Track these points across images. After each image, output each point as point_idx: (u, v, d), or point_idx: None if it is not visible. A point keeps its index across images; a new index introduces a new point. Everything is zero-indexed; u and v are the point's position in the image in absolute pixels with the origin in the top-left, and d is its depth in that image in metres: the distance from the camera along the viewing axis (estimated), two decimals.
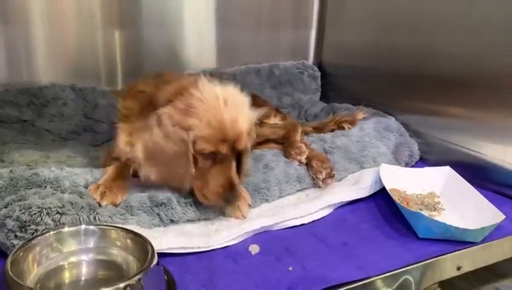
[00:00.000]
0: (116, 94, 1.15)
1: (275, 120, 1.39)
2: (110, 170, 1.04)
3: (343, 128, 1.42)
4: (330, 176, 1.15)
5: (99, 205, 0.94)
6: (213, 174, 0.96)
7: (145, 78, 1.19)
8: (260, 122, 1.29)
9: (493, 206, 1.02)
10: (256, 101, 1.21)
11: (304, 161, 1.18)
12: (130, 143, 1.01)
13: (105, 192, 0.96)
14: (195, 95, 0.96)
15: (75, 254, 0.80)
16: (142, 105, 1.06)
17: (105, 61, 1.59)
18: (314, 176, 1.16)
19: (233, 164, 0.99)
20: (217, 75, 1.19)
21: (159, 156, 0.96)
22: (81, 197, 0.95)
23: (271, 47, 1.86)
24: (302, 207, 1.06)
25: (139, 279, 0.69)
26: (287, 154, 1.22)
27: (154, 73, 1.24)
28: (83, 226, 0.83)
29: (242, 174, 1.04)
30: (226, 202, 0.97)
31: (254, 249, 0.93)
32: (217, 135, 0.95)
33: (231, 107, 0.96)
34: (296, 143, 1.24)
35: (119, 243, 0.82)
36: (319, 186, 1.15)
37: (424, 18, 1.39)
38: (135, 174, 1.08)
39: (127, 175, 1.05)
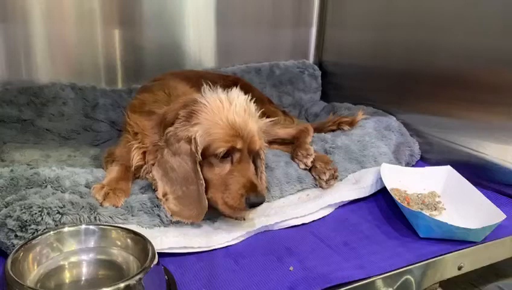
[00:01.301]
0: (130, 110, 1.14)
1: (284, 123, 1.39)
2: (115, 171, 1.05)
3: (343, 129, 1.41)
4: (334, 177, 1.15)
5: (101, 205, 0.94)
6: (232, 178, 0.93)
7: (152, 88, 1.19)
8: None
9: (494, 206, 1.02)
10: (263, 105, 1.21)
11: (309, 164, 1.17)
12: (143, 159, 1.03)
13: (108, 193, 0.96)
14: (198, 102, 0.96)
15: (76, 254, 0.80)
16: (154, 124, 1.06)
17: (105, 60, 1.59)
18: (317, 177, 1.16)
19: (252, 166, 0.97)
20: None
21: (171, 175, 0.95)
22: (81, 197, 0.94)
23: (271, 46, 1.85)
24: (303, 207, 1.05)
25: (140, 279, 0.68)
26: (293, 155, 1.22)
27: (157, 80, 1.24)
28: (83, 226, 0.82)
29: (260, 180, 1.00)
30: (249, 205, 0.91)
31: None
32: (227, 131, 0.93)
33: (238, 108, 0.95)
34: (305, 145, 1.22)
35: (119, 243, 0.82)
36: (322, 187, 1.15)
37: (425, 17, 1.38)
38: (137, 177, 1.08)
39: (130, 177, 1.06)
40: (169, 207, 0.94)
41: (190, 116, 0.95)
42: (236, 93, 0.98)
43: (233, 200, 0.91)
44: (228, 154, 0.94)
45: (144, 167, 1.05)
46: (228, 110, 0.94)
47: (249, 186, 0.92)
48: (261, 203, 0.92)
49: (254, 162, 1.01)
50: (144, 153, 1.05)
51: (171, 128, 0.96)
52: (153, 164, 1.04)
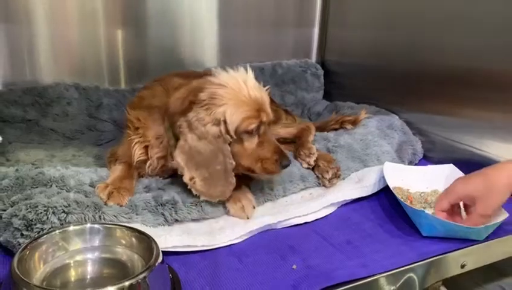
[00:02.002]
0: (130, 106, 1.16)
1: (286, 122, 1.39)
2: (118, 170, 1.05)
3: (346, 128, 1.41)
4: (336, 176, 1.15)
5: (105, 204, 0.95)
6: (264, 148, 1.00)
7: (150, 86, 1.20)
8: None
9: None
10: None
11: (312, 163, 1.17)
12: (145, 153, 1.06)
13: (112, 192, 0.96)
14: (215, 84, 0.98)
15: (81, 253, 0.81)
16: (157, 117, 1.06)
17: (108, 60, 1.59)
18: (320, 175, 1.16)
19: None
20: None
21: (197, 159, 0.97)
22: (86, 196, 0.95)
23: (274, 45, 1.85)
24: (306, 206, 1.06)
25: (144, 277, 0.69)
26: (296, 155, 1.22)
27: (158, 80, 1.25)
28: (88, 225, 0.83)
29: None
30: (283, 167, 1.01)
31: None
32: (253, 107, 0.98)
33: (252, 83, 1.00)
34: (308, 144, 1.23)
35: (124, 242, 0.82)
36: (325, 186, 1.15)
37: (427, 16, 1.38)
38: (141, 175, 1.09)
39: (134, 176, 1.06)
40: (197, 189, 0.98)
41: (213, 98, 0.96)
42: (244, 71, 1.02)
43: (271, 166, 0.99)
44: (257, 128, 0.99)
45: (148, 163, 1.06)
46: (246, 86, 0.99)
47: (279, 152, 1.00)
48: (290, 164, 1.02)
49: None
50: (146, 147, 1.06)
51: (191, 114, 0.97)
52: (159, 157, 1.05)
